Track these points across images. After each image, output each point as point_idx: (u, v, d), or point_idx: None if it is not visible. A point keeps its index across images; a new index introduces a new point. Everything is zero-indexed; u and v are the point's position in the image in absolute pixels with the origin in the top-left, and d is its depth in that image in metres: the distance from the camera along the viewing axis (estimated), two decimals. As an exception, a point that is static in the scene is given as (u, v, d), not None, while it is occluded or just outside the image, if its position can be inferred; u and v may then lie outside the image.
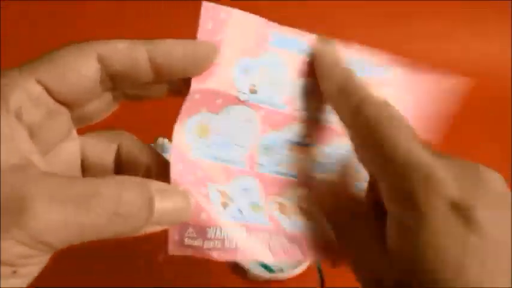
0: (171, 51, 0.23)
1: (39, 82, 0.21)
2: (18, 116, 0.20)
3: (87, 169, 0.25)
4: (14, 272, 0.19)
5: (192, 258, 0.56)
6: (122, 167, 0.25)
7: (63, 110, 0.22)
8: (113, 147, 0.25)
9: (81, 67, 0.21)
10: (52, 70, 0.21)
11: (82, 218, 0.19)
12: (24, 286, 0.20)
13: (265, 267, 0.52)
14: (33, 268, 0.20)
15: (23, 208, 0.18)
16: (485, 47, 0.90)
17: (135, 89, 0.24)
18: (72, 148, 0.24)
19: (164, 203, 0.21)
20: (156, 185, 0.21)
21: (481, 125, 0.79)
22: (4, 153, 0.19)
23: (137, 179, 0.21)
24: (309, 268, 0.52)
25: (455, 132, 0.76)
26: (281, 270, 0.52)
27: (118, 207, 0.20)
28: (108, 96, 0.24)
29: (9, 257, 0.18)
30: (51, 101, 0.21)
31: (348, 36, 0.96)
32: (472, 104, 0.83)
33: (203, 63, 0.24)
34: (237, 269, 0.52)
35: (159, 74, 0.23)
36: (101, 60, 0.22)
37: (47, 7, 0.82)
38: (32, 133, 0.21)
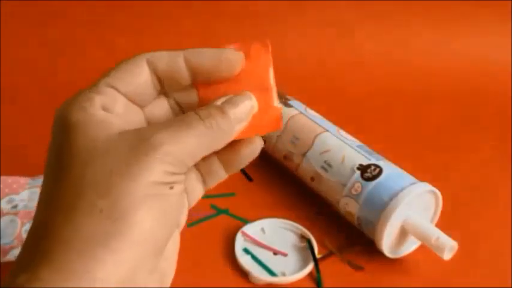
0: (203, 54, 0.28)
1: (111, 86, 0.27)
2: (105, 109, 0.26)
3: None
4: (171, 187, 0.25)
5: (192, 258, 0.56)
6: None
7: (137, 108, 0.29)
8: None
9: (136, 70, 0.28)
10: (117, 76, 0.27)
11: (186, 134, 0.26)
12: (180, 204, 0.27)
13: (268, 270, 0.52)
14: (181, 186, 0.26)
15: (150, 141, 0.25)
16: (485, 46, 0.90)
17: (180, 93, 0.30)
18: None
19: (235, 107, 0.28)
20: (222, 99, 0.28)
21: (481, 125, 0.79)
22: (111, 125, 0.26)
23: (210, 104, 0.28)
24: (310, 273, 0.52)
25: (456, 132, 0.77)
26: (283, 275, 0.52)
27: (204, 122, 0.27)
28: (163, 102, 0.30)
29: (162, 173, 0.25)
30: (124, 99, 0.27)
31: (348, 35, 0.97)
32: (472, 104, 0.83)
33: (229, 66, 0.29)
34: (237, 271, 0.52)
35: (195, 75, 0.29)
36: (149, 64, 0.28)
37: (47, 7, 0.82)
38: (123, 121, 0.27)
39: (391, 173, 0.54)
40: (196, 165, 0.30)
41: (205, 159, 0.30)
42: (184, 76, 0.28)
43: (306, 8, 0.87)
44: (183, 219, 0.30)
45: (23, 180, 0.57)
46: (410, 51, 0.89)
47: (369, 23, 0.89)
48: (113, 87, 0.27)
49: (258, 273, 0.51)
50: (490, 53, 0.90)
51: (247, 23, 0.87)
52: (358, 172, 0.54)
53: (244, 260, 0.53)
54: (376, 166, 0.54)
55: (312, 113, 0.64)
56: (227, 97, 0.29)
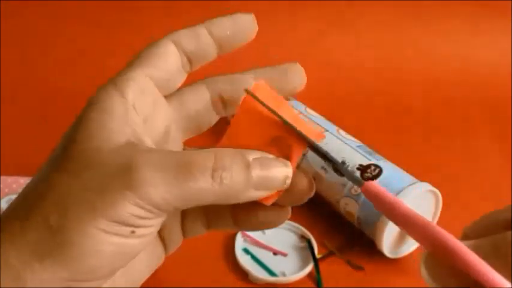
0: (222, 22, 0.27)
1: (146, 75, 0.26)
2: (135, 106, 0.25)
3: None
4: (133, 232, 0.23)
5: (192, 258, 0.55)
6: None
7: (165, 101, 0.27)
8: (207, 95, 0.29)
9: (165, 54, 0.26)
10: (153, 64, 0.26)
11: (181, 183, 0.22)
12: (141, 248, 0.24)
13: (268, 270, 0.52)
14: (148, 230, 0.24)
15: (133, 174, 0.22)
16: (485, 47, 0.90)
17: (226, 85, 0.28)
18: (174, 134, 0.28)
19: (263, 170, 0.24)
20: (255, 154, 0.24)
21: (481, 125, 0.79)
22: (122, 132, 0.24)
23: (233, 150, 0.24)
24: (310, 273, 0.52)
25: (456, 132, 0.77)
26: (283, 275, 0.52)
27: (213, 173, 0.23)
28: (204, 92, 0.28)
29: (126, 216, 0.22)
30: (156, 91, 0.26)
31: (348, 35, 0.97)
32: (472, 104, 0.83)
33: (248, 30, 0.28)
34: (237, 271, 0.52)
35: (220, 44, 0.27)
36: (176, 44, 0.27)
37: (48, 7, 0.82)
38: (146, 120, 0.26)
39: (391, 173, 0.54)
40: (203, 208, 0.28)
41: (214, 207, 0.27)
42: (212, 50, 0.27)
43: (306, 7, 0.87)
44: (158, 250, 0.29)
45: (22, 180, 0.57)
46: (410, 50, 0.89)
47: (369, 23, 0.89)
48: (149, 77, 0.26)
49: (257, 273, 0.51)
50: (489, 53, 0.89)
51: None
52: (358, 172, 0.54)
53: (244, 260, 0.53)
54: (376, 166, 0.54)
55: (312, 113, 0.64)
56: (261, 154, 0.24)
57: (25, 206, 0.24)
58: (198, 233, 0.30)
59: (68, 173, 0.23)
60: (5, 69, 0.79)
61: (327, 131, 0.60)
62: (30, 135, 0.69)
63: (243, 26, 0.27)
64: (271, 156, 0.25)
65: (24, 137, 0.69)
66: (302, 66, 0.29)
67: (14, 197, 0.54)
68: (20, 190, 0.55)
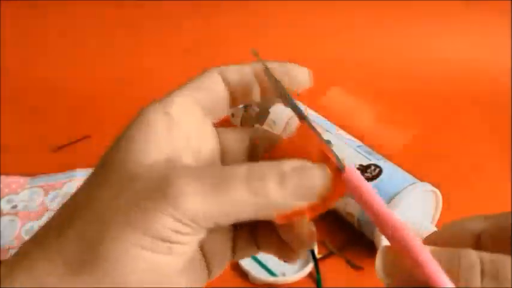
0: (272, 66, 0.27)
1: (192, 98, 0.26)
2: (178, 124, 0.25)
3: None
4: (169, 248, 0.22)
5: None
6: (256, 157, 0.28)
7: (208, 121, 0.27)
8: (246, 139, 0.29)
9: (211, 81, 0.27)
10: (199, 89, 0.26)
11: (217, 194, 0.22)
12: (175, 267, 0.23)
13: (268, 271, 0.52)
14: (185, 248, 0.23)
15: (169, 187, 0.22)
16: (485, 47, 0.90)
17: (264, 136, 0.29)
18: (212, 146, 0.28)
19: (300, 179, 0.23)
20: (294, 163, 0.24)
21: (481, 125, 0.79)
22: (163, 148, 0.24)
23: (269, 162, 0.24)
24: (310, 273, 0.52)
25: (456, 132, 0.77)
26: (283, 275, 0.52)
27: (248, 183, 0.22)
28: (244, 134, 0.29)
29: (164, 230, 0.22)
30: (201, 113, 0.26)
31: (347, 37, 0.96)
32: (472, 104, 0.83)
33: (296, 81, 0.27)
34: (237, 270, 0.52)
35: (263, 87, 0.28)
36: (221, 75, 0.27)
37: (48, 7, 0.82)
38: (188, 138, 0.26)
39: (391, 173, 0.54)
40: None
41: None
42: (255, 88, 0.27)
43: (306, 7, 0.87)
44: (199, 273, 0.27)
45: (22, 180, 0.57)
46: (410, 50, 0.89)
47: (369, 23, 0.89)
48: (194, 99, 0.26)
49: (258, 273, 0.51)
50: (489, 53, 0.89)
51: (247, 22, 0.87)
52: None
53: (244, 260, 0.53)
54: (376, 166, 0.54)
55: (312, 113, 0.64)
56: (299, 162, 0.24)
57: (62, 221, 0.23)
58: (250, 254, 0.30)
59: (107, 187, 0.23)
60: (5, 69, 0.79)
61: (327, 131, 0.60)
62: (30, 135, 0.69)
63: (293, 76, 0.27)
64: (309, 163, 0.24)
65: (24, 137, 0.69)
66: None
67: (13, 196, 0.55)
68: (19, 190, 0.55)
